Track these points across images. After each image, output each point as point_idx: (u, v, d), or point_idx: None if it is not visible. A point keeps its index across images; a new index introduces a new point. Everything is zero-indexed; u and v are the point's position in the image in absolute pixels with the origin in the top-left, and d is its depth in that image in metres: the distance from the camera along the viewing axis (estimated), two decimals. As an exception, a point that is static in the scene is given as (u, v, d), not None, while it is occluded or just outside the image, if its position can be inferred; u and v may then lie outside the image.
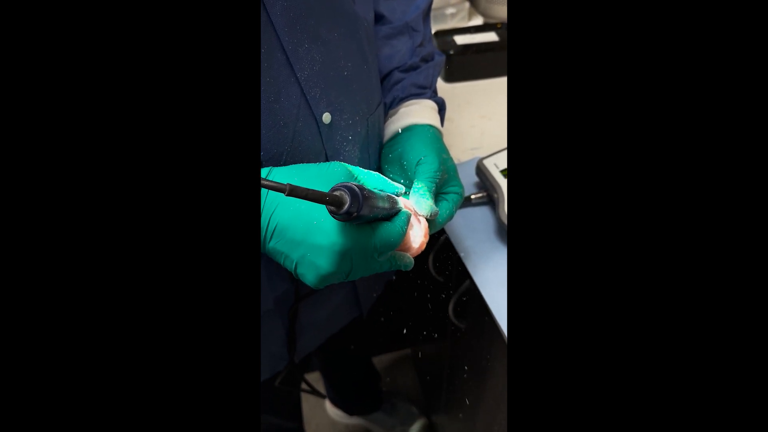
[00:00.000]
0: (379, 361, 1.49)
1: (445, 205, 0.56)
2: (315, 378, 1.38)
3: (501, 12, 1.17)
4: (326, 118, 0.51)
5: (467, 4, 1.19)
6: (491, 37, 1.05)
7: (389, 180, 0.50)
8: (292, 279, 0.60)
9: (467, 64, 1.01)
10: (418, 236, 0.49)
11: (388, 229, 0.46)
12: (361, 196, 0.37)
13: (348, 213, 0.37)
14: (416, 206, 0.51)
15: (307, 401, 1.36)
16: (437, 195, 0.56)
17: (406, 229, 0.47)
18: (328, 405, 1.40)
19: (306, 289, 0.64)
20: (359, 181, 0.47)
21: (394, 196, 0.48)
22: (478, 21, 1.20)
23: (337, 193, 0.37)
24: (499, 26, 1.09)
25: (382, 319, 1.18)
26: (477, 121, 0.92)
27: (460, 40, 1.04)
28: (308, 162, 0.51)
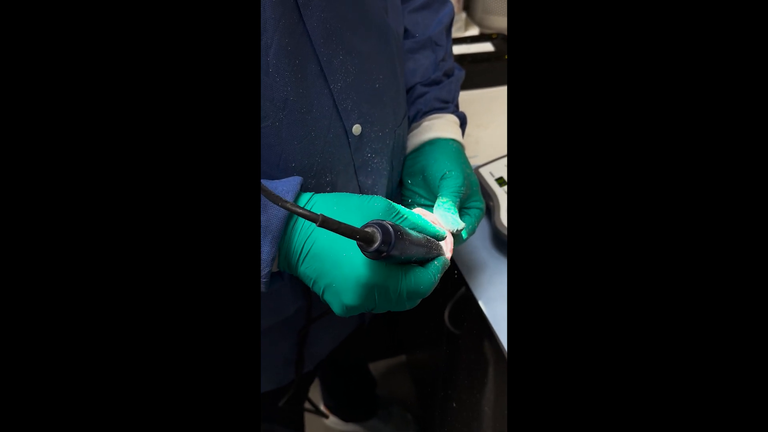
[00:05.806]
0: (375, 367, 1.49)
1: (468, 220, 0.57)
2: (312, 385, 1.38)
3: (497, 23, 1.19)
4: (356, 129, 0.51)
5: (463, 15, 1.20)
6: (487, 47, 1.07)
7: (432, 223, 0.49)
8: (306, 297, 0.60)
9: (463, 74, 1.02)
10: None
11: (420, 275, 0.44)
12: (393, 236, 0.36)
13: (378, 251, 0.36)
14: (442, 220, 0.52)
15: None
16: (460, 210, 0.57)
17: (438, 279, 0.45)
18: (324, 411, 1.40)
19: (318, 312, 0.64)
20: (400, 219, 0.45)
21: (434, 239, 0.47)
22: (474, 31, 1.21)
23: (368, 229, 0.36)
24: (494, 37, 1.11)
25: (378, 326, 1.19)
26: (473, 129, 0.93)
27: (456, 50, 1.05)
28: (337, 173, 0.51)
